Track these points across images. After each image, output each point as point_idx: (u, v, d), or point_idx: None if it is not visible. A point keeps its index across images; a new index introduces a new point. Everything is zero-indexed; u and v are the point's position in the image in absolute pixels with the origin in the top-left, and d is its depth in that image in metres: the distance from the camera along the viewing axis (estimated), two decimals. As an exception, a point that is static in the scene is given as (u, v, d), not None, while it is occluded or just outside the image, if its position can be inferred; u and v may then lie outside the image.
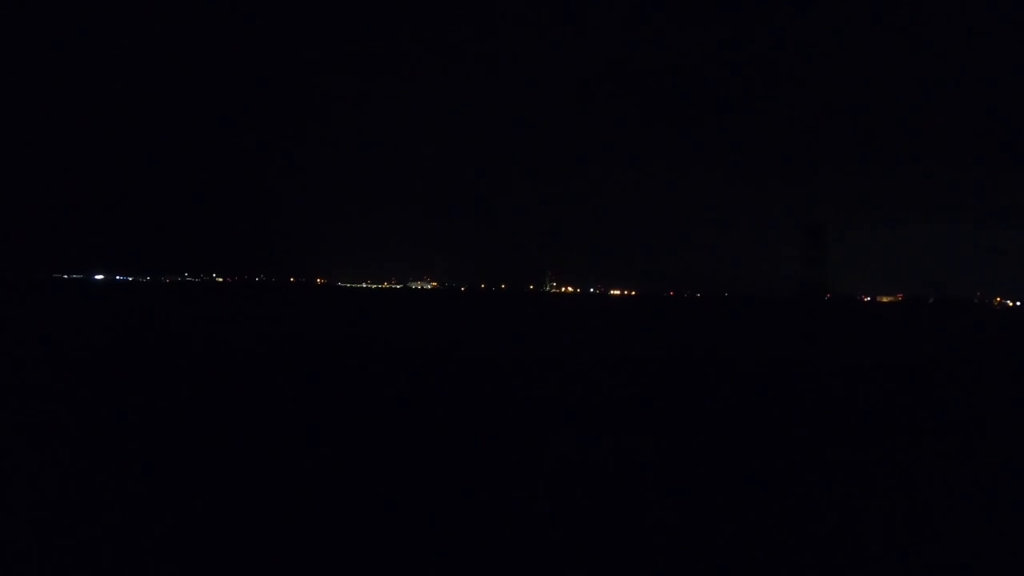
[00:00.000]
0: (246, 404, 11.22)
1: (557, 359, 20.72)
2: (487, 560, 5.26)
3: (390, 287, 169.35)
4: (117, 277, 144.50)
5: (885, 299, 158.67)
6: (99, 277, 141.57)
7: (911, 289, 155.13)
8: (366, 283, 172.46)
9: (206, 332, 27.11)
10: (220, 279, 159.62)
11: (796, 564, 5.44)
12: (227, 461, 7.69)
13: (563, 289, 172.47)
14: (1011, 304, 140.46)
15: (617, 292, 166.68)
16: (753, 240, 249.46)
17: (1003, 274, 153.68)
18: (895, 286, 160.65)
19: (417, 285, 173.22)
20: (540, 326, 40.40)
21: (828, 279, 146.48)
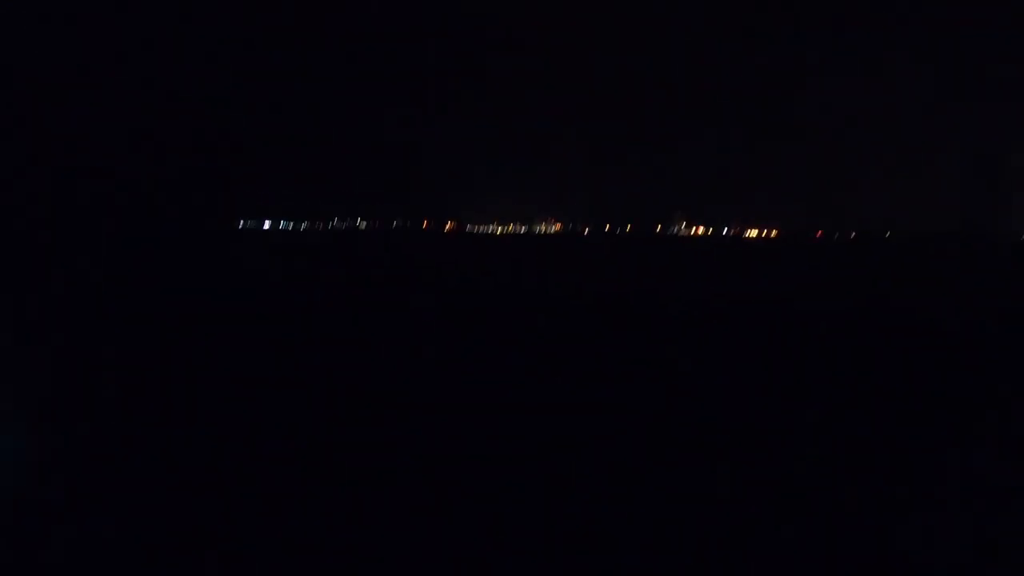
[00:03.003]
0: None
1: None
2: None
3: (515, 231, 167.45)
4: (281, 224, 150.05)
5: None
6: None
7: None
8: (493, 227, 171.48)
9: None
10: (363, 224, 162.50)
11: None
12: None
13: (694, 231, 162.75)
14: None
15: (754, 234, 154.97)
16: (917, 173, 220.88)
17: None
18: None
19: (542, 228, 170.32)
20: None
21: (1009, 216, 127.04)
